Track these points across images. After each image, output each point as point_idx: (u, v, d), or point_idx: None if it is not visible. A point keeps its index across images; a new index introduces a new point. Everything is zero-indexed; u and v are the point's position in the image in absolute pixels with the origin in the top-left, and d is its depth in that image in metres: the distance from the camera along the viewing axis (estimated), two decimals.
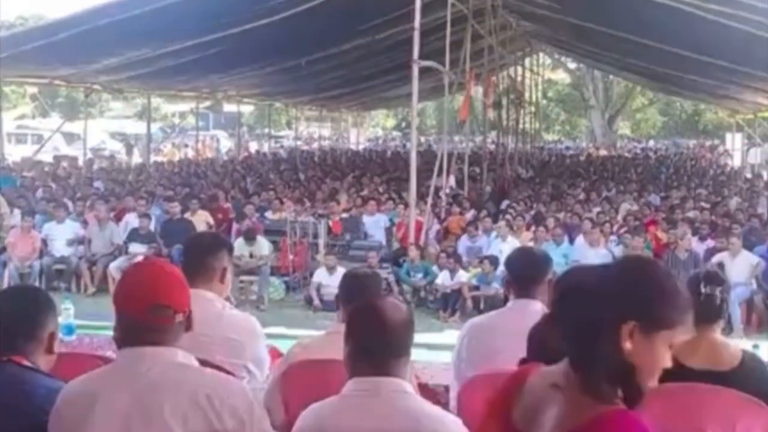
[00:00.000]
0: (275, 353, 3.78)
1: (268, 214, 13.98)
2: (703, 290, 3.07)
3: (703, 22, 13.19)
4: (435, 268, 11.61)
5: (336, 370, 2.59)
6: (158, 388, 2.24)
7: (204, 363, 2.79)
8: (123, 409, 2.22)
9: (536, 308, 3.30)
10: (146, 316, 2.29)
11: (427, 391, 3.74)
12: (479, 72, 19.75)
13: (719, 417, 2.95)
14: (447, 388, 3.75)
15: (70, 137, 30.41)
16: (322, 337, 3.37)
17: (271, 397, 3.22)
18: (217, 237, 4.05)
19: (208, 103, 24.33)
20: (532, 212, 14.59)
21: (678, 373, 3.08)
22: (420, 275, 11.51)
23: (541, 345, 2.13)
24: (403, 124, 52.39)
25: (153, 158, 25.83)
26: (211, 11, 13.33)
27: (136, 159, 29.09)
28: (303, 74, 21.15)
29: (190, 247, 3.50)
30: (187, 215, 13.07)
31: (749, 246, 11.27)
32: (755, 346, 3.71)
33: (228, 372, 2.95)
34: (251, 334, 3.27)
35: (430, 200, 13.36)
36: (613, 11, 16.49)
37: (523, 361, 2.13)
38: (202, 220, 13.11)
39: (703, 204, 15.47)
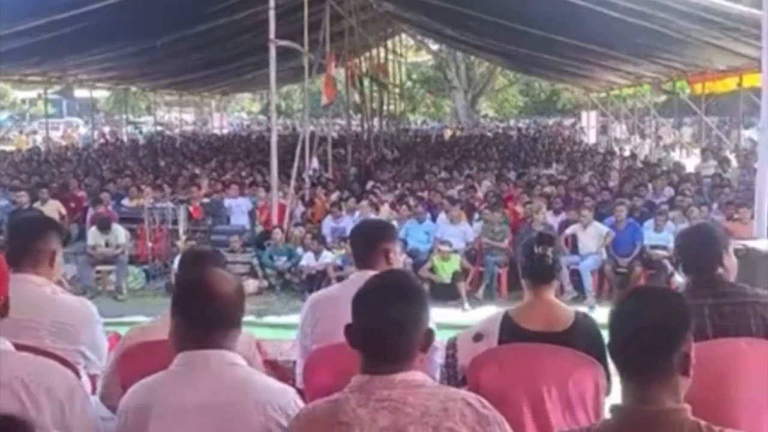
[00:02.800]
0: (117, 339, 3.64)
1: (125, 202, 13.53)
2: (536, 250, 3.18)
3: (555, 2, 13.62)
4: (299, 250, 11.55)
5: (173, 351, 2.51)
6: None
7: (31, 349, 2.66)
8: None
9: None
10: None
11: (276, 367, 3.72)
12: (340, 53, 19.73)
13: (553, 375, 3.06)
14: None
15: None
16: (159, 318, 3.26)
17: (110, 380, 3.13)
18: (46, 219, 3.83)
19: (57, 88, 23.15)
20: (397, 192, 14.74)
21: (516, 335, 3.20)
22: (284, 258, 11.42)
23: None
24: (269, 108, 51.82)
25: (3, 147, 24.56)
26: None
27: None
28: (159, 56, 20.50)
29: (17, 230, 3.32)
30: (36, 205, 12.48)
31: (600, 218, 11.74)
32: (591, 307, 3.87)
33: (58, 358, 2.82)
34: (85, 319, 3.12)
35: (293, 182, 13.27)
36: None
37: (348, 327, 2.12)
38: (53, 210, 12.55)
39: (559, 178, 16.06)
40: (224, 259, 3.54)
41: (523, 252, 3.30)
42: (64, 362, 2.91)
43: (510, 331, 3.20)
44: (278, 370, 3.69)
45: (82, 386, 2.36)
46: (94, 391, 3.15)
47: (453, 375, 3.38)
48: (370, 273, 3.33)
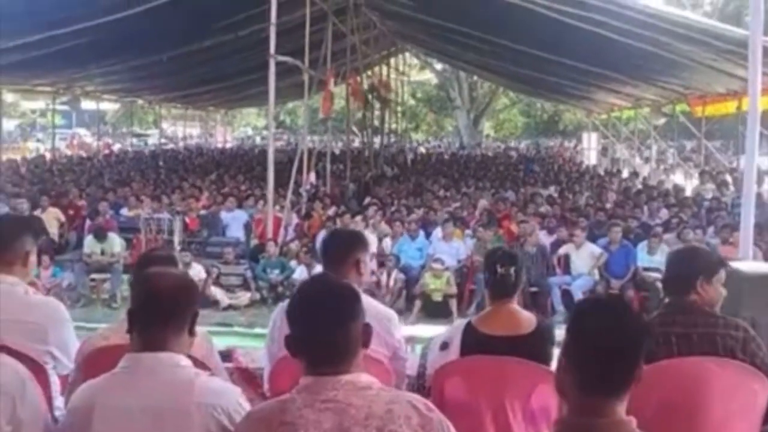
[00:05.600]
0: None
1: (124, 211, 13.63)
2: (498, 270, 3.24)
3: (556, 24, 13.72)
4: (293, 263, 11.60)
5: None
6: None
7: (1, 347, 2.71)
8: None
9: None
10: None
11: (246, 373, 3.77)
12: (343, 71, 19.87)
13: (516, 388, 3.10)
14: None
15: None
16: (122, 321, 3.29)
17: (76, 383, 3.15)
18: (21, 221, 3.92)
19: (65, 99, 23.44)
20: (393, 208, 14.80)
21: (478, 341, 3.25)
22: (277, 271, 11.47)
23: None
24: (269, 123, 51.98)
25: (10, 156, 24.82)
26: (63, 2, 12.85)
27: None
28: (164, 70, 20.69)
29: None
30: (36, 212, 12.62)
31: (594, 238, 11.75)
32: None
33: (27, 357, 2.88)
34: (54, 320, 3.17)
35: (289, 196, 13.34)
36: (471, 12, 16.91)
37: (287, 338, 2.20)
38: (52, 217, 12.80)
39: (553, 197, 16.14)
40: (176, 262, 3.57)
41: (486, 267, 3.36)
42: (33, 362, 2.99)
43: (471, 337, 3.26)
44: (249, 376, 3.74)
45: (33, 380, 2.40)
46: (63, 392, 3.19)
47: (422, 384, 3.43)
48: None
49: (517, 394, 3.09)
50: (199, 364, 2.85)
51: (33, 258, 3.27)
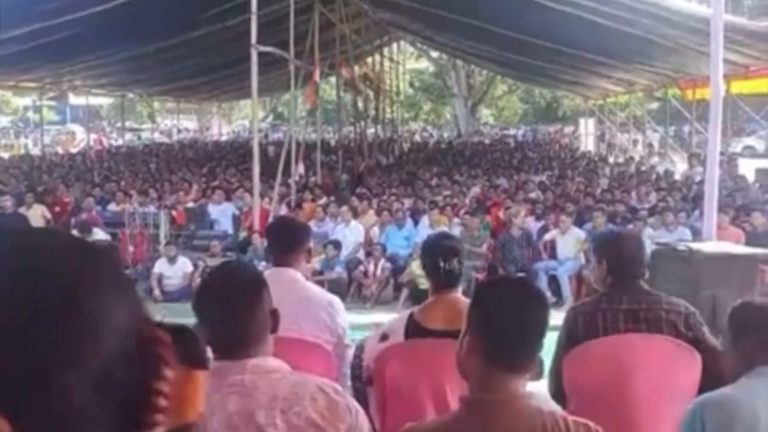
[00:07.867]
0: None
1: (111, 207, 13.60)
2: (441, 265, 3.21)
3: (547, 10, 13.72)
4: None
5: None
6: None
7: None
8: None
9: (290, 276, 3.36)
10: None
11: None
12: (333, 62, 19.79)
13: (454, 370, 3.05)
14: None
15: None
16: None
17: None
18: None
19: (52, 95, 23.38)
20: (383, 197, 14.76)
21: (418, 334, 3.26)
22: (264, 263, 11.41)
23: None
24: (271, 116, 51.96)
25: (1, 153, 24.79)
26: None
27: None
28: (153, 63, 20.63)
29: None
30: (22, 210, 12.57)
31: (581, 223, 11.74)
32: None
33: None
34: None
35: (276, 188, 13.31)
36: (462, 0, 16.90)
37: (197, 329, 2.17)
38: (38, 215, 12.69)
39: (545, 183, 16.10)
40: (113, 253, 3.56)
41: (428, 262, 3.33)
42: None
43: (413, 330, 3.26)
44: None
45: None
46: None
47: (358, 376, 3.42)
48: (284, 270, 3.41)
49: (455, 376, 3.06)
50: None
51: None
